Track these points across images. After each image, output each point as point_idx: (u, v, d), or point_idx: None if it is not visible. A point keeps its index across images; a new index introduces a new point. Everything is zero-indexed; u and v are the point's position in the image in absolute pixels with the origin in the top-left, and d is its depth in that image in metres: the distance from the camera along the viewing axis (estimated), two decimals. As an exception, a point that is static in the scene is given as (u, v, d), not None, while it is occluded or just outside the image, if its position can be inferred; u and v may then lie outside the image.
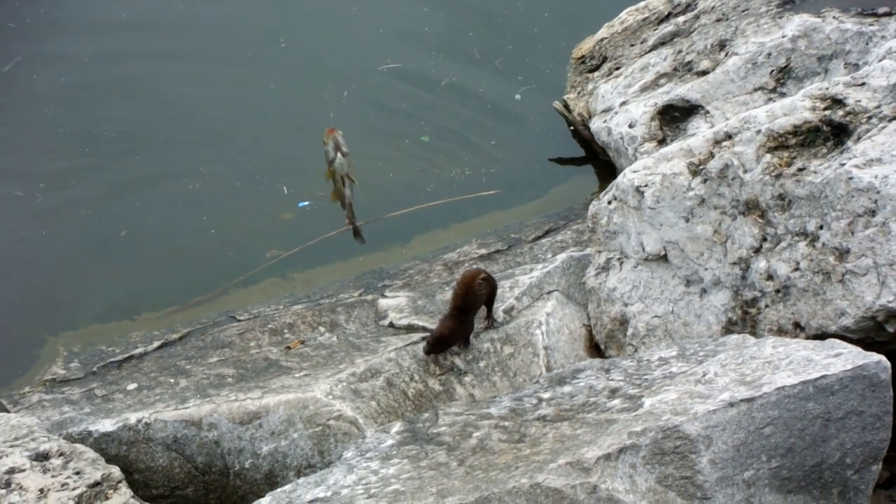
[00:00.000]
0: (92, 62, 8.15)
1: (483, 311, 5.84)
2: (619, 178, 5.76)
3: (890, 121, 5.03)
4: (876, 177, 4.82)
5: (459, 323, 5.68)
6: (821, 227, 5.01)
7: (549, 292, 6.16)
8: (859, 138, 5.04)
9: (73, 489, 4.89)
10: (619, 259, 5.85)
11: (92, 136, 7.65)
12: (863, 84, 5.22)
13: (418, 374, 5.65)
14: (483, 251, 6.72)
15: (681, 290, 5.57)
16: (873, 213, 4.82)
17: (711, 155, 5.44)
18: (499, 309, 5.93)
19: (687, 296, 5.55)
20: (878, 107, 5.11)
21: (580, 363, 5.17)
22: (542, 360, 5.82)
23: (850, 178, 4.88)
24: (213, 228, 7.11)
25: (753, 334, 5.17)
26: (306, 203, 7.16)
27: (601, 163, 7.44)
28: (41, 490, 4.86)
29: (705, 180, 5.41)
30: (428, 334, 5.70)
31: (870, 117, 5.09)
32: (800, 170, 5.11)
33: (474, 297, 5.69)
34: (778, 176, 5.16)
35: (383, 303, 6.27)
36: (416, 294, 6.32)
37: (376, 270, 6.78)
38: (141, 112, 7.84)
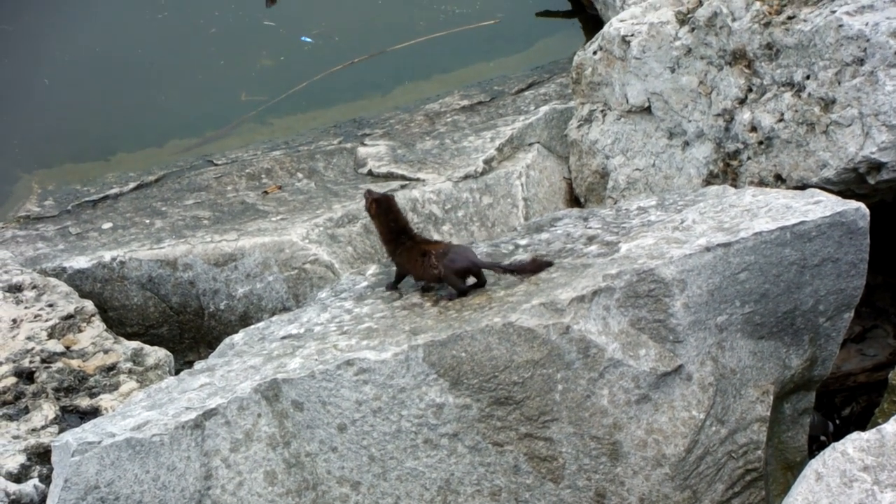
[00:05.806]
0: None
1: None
2: (606, 28, 5.64)
3: (884, -33, 4.91)
4: (867, 24, 4.72)
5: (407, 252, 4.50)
6: (807, 78, 4.93)
7: (531, 144, 6.09)
8: (852, -16, 4.92)
9: (46, 321, 4.88)
10: (602, 111, 5.76)
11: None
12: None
13: (396, 220, 5.59)
14: (465, 102, 6.62)
15: (663, 142, 5.50)
16: (862, 61, 4.73)
17: (700, 3, 5.32)
18: (479, 159, 5.86)
19: (669, 148, 5.48)
20: (874, -47, 4.97)
21: (558, 212, 5.13)
22: (520, 211, 5.79)
23: (841, 26, 4.77)
24: (193, 71, 6.99)
25: (734, 187, 5.12)
26: (309, 39, 7.00)
27: (588, 17, 7.30)
28: (14, 320, 4.85)
29: (693, 29, 5.30)
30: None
31: (864, -36, 4.96)
32: (789, 18, 5.00)
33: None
34: (767, 24, 5.05)
35: (363, 151, 6.19)
36: (396, 143, 6.24)
37: (356, 119, 6.68)
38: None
